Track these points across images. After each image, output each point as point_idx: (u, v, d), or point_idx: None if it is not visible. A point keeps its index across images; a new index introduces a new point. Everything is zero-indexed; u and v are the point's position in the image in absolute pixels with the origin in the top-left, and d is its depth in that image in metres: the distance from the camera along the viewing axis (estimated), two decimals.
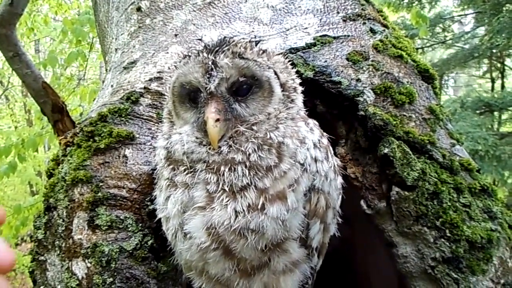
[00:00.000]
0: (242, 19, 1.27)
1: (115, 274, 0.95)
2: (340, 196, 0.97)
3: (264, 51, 0.90)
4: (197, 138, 0.86)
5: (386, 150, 1.09)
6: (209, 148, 0.83)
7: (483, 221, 1.12)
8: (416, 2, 8.07)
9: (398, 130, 1.11)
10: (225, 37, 0.89)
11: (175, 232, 0.86)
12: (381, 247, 1.30)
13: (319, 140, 0.89)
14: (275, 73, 0.89)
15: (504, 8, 7.12)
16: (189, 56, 0.86)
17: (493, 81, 9.65)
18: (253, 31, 1.24)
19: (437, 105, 1.24)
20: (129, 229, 0.99)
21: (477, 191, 1.15)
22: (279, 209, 0.79)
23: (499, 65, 9.32)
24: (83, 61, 5.78)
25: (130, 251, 0.97)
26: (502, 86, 9.35)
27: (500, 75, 9.38)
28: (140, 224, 1.00)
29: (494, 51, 8.06)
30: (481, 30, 8.78)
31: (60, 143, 1.12)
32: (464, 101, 6.58)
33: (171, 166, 0.86)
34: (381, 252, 1.32)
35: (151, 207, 0.90)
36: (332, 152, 0.94)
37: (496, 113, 7.81)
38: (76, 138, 1.10)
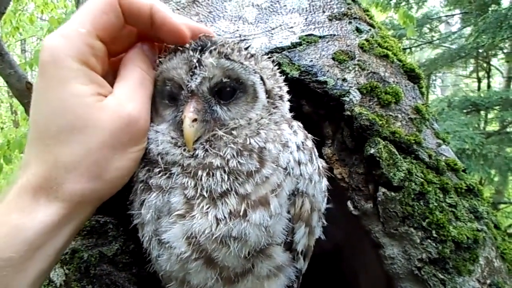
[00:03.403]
0: (227, 17, 1.25)
1: (94, 281, 0.92)
2: (326, 199, 0.95)
3: (252, 55, 0.87)
4: (172, 138, 0.82)
5: (372, 151, 1.08)
6: (184, 150, 0.80)
7: (469, 221, 1.12)
8: (404, 3, 8.15)
9: (384, 130, 1.10)
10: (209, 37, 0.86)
11: (149, 239, 0.82)
12: (369, 248, 1.29)
13: (302, 143, 0.87)
14: (261, 79, 0.86)
15: (489, 9, 7.23)
16: (175, 52, 0.83)
17: (479, 80, 9.79)
18: (237, 30, 1.22)
19: (423, 104, 1.23)
20: (110, 234, 0.96)
21: (463, 191, 1.15)
22: (261, 215, 0.76)
23: (485, 65, 9.45)
24: None
25: (111, 257, 0.94)
26: (488, 86, 9.50)
27: (486, 75, 9.51)
28: (121, 229, 0.97)
29: (480, 51, 8.18)
30: (467, 30, 8.89)
31: None
32: (451, 100, 6.66)
33: (146, 168, 0.83)
34: (369, 253, 1.31)
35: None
36: (317, 154, 0.92)
37: (482, 113, 7.92)
38: None
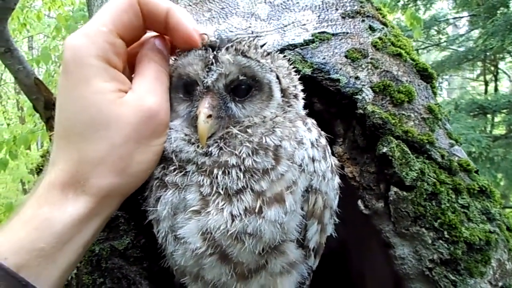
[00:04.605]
0: (239, 14, 1.24)
1: (106, 274, 0.92)
2: (337, 196, 0.94)
3: (268, 53, 0.87)
4: (185, 135, 0.82)
5: (384, 149, 1.07)
6: (197, 146, 0.80)
7: (482, 222, 1.11)
8: (411, 4, 8.11)
9: (397, 129, 1.09)
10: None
11: (165, 235, 0.82)
12: (377, 248, 1.28)
13: (316, 140, 0.87)
14: (277, 77, 0.86)
15: (498, 11, 7.18)
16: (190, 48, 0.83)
17: (486, 84, 9.73)
18: (250, 27, 1.22)
19: (436, 104, 1.22)
20: (121, 228, 0.95)
21: (475, 192, 1.14)
22: (277, 212, 0.76)
23: (492, 68, 9.40)
24: None
25: (122, 251, 0.94)
26: (496, 89, 9.44)
27: (493, 78, 9.46)
28: (132, 223, 0.97)
29: (488, 54, 8.13)
30: (475, 33, 8.84)
31: (50, 139, 1.09)
32: (458, 103, 6.62)
33: (161, 165, 0.83)
34: (376, 253, 1.30)
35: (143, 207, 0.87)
36: (330, 151, 0.91)
37: (489, 116, 7.87)
38: None
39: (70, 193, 0.70)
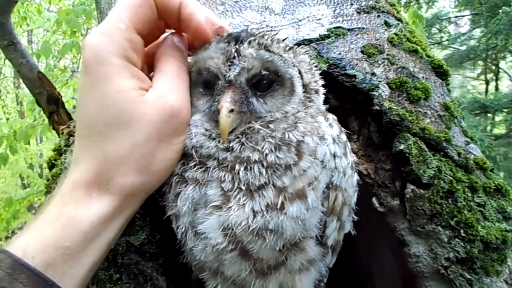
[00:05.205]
0: (253, 8, 1.23)
1: (122, 270, 0.90)
2: (356, 193, 0.93)
3: (290, 48, 0.86)
4: (206, 130, 0.81)
5: (402, 147, 1.05)
6: (219, 142, 0.79)
7: (497, 221, 1.10)
8: (414, 2, 8.09)
9: (414, 126, 1.08)
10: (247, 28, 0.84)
11: (185, 230, 0.81)
12: (386, 246, 1.27)
13: (338, 136, 0.85)
14: (299, 73, 0.85)
15: (500, 10, 7.17)
16: (211, 42, 0.82)
17: (487, 83, 9.73)
18: (264, 21, 1.20)
19: (451, 101, 1.21)
20: (136, 224, 0.94)
21: (491, 191, 1.13)
22: (299, 208, 0.75)
23: (493, 67, 9.40)
24: (77, 53, 5.69)
25: (138, 246, 0.93)
26: (496, 88, 9.45)
27: (494, 77, 9.46)
28: (148, 218, 0.95)
29: (489, 53, 8.12)
30: (477, 32, 8.83)
31: (62, 133, 1.07)
32: (460, 102, 6.61)
33: (181, 161, 0.81)
34: (385, 251, 1.29)
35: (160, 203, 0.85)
36: (350, 148, 0.90)
37: (489, 115, 7.88)
38: None
39: (95, 192, 0.70)
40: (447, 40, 8.98)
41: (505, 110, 6.62)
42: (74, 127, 1.07)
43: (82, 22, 5.53)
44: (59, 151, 1.10)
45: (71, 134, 1.07)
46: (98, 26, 0.77)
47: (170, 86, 0.78)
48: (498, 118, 8.33)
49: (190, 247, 0.81)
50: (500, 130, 8.79)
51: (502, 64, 9.86)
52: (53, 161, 1.09)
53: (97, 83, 0.72)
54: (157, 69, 0.81)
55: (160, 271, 0.93)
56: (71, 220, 0.67)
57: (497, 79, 9.37)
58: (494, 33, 5.03)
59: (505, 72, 10.28)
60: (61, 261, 0.64)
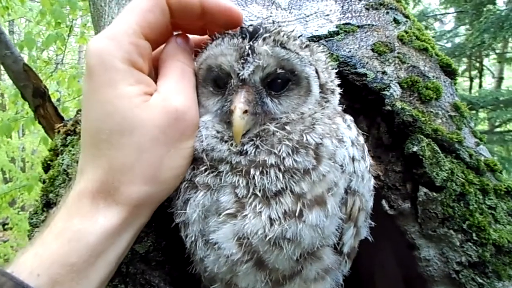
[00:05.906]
0: (259, 2, 1.17)
1: (128, 280, 0.85)
2: (372, 198, 0.89)
3: (307, 45, 0.81)
4: (217, 132, 0.76)
5: (415, 148, 1.02)
6: (231, 144, 0.74)
7: (508, 224, 1.08)
8: None
9: (426, 127, 1.05)
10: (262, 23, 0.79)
11: (195, 239, 0.76)
12: (388, 248, 1.25)
13: (356, 138, 0.82)
14: (316, 72, 0.80)
15: (485, 8, 7.26)
16: (223, 38, 0.76)
17: (471, 80, 9.89)
18: (271, 16, 1.15)
19: (461, 102, 1.19)
20: (142, 230, 0.88)
21: (502, 193, 1.11)
22: (318, 216, 0.71)
23: (478, 64, 9.55)
24: (62, 44, 5.53)
25: (143, 254, 0.87)
26: (480, 85, 9.60)
27: (478, 74, 9.62)
28: (153, 225, 0.90)
29: (473, 50, 8.23)
30: (461, 29, 8.95)
31: (58, 131, 1.00)
32: None
33: (190, 166, 0.76)
34: (387, 253, 1.27)
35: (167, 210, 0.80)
36: (367, 151, 0.86)
37: (473, 112, 8.01)
38: (78, 126, 0.98)
39: (101, 203, 0.66)
40: (433, 37, 9.06)
41: (490, 107, 6.73)
42: (72, 125, 1.00)
43: (67, 13, 5.37)
44: (56, 151, 1.03)
45: (68, 133, 1.00)
46: (104, 30, 0.73)
47: (174, 88, 0.75)
48: (481, 114, 8.48)
49: (200, 257, 0.76)
50: (483, 126, 8.97)
51: (485, 61, 10.04)
52: (48, 162, 1.02)
53: (101, 89, 0.69)
54: (161, 72, 0.78)
55: (168, 280, 0.88)
56: (77, 234, 0.63)
57: (481, 76, 9.53)
58: (482, 31, 5.09)
59: (488, 69, 10.47)
60: (68, 278, 0.60)
